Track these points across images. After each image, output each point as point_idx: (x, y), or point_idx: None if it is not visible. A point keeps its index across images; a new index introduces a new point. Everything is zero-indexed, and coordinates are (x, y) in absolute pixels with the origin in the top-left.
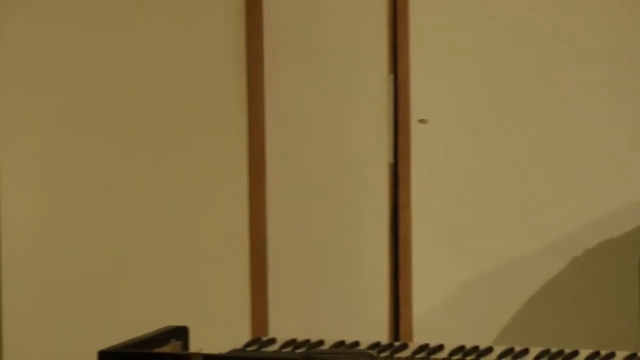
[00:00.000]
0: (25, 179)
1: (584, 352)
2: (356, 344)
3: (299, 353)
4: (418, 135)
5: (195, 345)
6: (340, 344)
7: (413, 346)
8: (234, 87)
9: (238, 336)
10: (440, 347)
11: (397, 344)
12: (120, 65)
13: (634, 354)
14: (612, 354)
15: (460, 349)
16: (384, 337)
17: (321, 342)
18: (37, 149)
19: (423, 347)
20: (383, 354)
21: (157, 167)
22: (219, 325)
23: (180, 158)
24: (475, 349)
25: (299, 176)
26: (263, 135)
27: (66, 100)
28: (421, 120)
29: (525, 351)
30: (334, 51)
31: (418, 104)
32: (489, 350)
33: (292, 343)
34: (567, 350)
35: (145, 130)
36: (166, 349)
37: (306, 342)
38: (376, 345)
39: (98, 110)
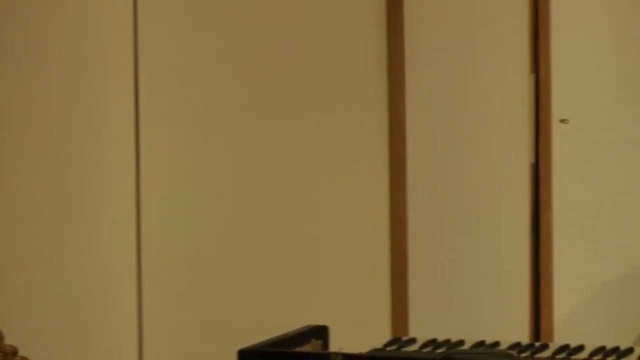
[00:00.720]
0: (165, 179)
1: None
2: (496, 344)
3: (439, 353)
4: (559, 135)
5: (336, 344)
6: (481, 344)
7: (553, 346)
8: (374, 86)
9: (378, 336)
10: (580, 348)
11: (537, 344)
12: (262, 65)
13: None
14: None
15: (601, 349)
16: (524, 338)
17: (461, 342)
18: (179, 149)
19: (563, 348)
20: (523, 355)
21: (298, 167)
22: (359, 324)
23: (321, 157)
24: (615, 349)
25: (440, 175)
26: (404, 134)
27: (211, 99)
28: (562, 120)
29: None
30: (475, 50)
31: (559, 103)
32: (630, 350)
33: (432, 343)
34: None
35: (287, 130)
36: (306, 348)
37: (446, 342)
38: (516, 345)
39: (242, 109)
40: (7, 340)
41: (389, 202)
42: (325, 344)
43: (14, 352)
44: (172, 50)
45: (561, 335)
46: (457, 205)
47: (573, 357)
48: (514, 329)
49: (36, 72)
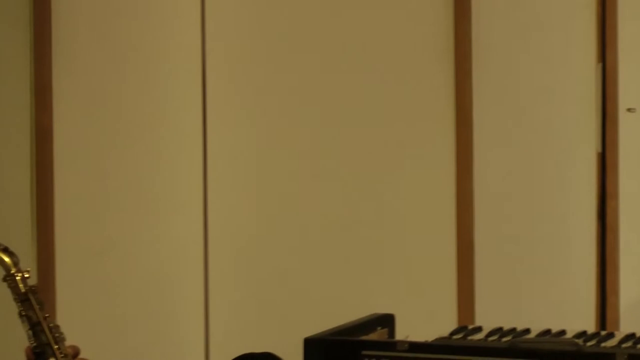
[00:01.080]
0: (232, 170)
1: None
2: (562, 332)
3: (505, 342)
4: (626, 124)
5: (402, 333)
6: (546, 332)
7: (619, 335)
8: (442, 75)
9: (444, 324)
10: None
11: (603, 333)
12: (328, 56)
13: None
14: None
15: None
16: (590, 327)
17: (527, 331)
18: (245, 140)
19: (629, 337)
20: (589, 343)
21: (364, 155)
22: (426, 313)
23: (387, 146)
24: None
25: (506, 165)
26: (471, 123)
27: (276, 88)
28: (629, 109)
29: None
30: (542, 39)
31: (626, 92)
32: None
33: (498, 331)
34: None
35: (353, 118)
36: (372, 336)
37: (512, 331)
38: (582, 334)
39: (308, 97)
40: (73, 333)
41: (455, 190)
42: (391, 333)
43: (75, 354)
44: (238, 42)
45: (627, 324)
46: (524, 194)
47: (639, 345)
48: (579, 318)
49: (109, 68)
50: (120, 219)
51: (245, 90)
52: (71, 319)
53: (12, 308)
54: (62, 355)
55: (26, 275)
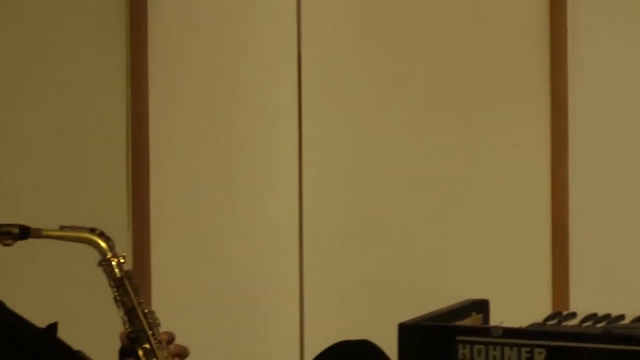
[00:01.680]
0: (326, 157)
1: None
2: None
3: (599, 328)
4: None
5: (496, 318)
6: None
7: None
8: (536, 60)
9: (539, 310)
10: None
11: None
12: (422, 50)
13: None
14: None
15: None
16: None
17: (621, 317)
18: (340, 126)
19: None
20: None
21: (457, 139)
22: (520, 298)
23: (481, 131)
24: None
25: (602, 149)
26: (566, 108)
27: (369, 79)
28: None
29: None
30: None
31: None
32: None
33: (593, 317)
34: None
35: (445, 102)
36: (467, 321)
37: (606, 317)
38: None
39: (402, 86)
40: (168, 320)
41: (550, 175)
42: (486, 318)
43: (170, 340)
44: (332, 31)
45: None
46: (620, 179)
47: None
48: None
49: (205, 55)
50: (216, 204)
51: (338, 78)
52: (166, 305)
53: (108, 293)
54: (156, 341)
55: (122, 261)
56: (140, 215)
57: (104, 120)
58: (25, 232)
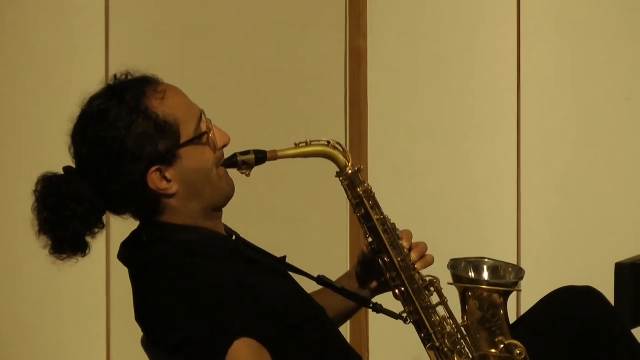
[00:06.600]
0: (547, 92)
1: None
2: None
3: None
4: None
5: None
6: None
7: None
8: None
9: None
10: None
11: None
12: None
13: None
14: None
15: None
16: None
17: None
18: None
19: None
20: None
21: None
22: None
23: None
24: None
25: None
26: None
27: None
28: None
29: None
30: None
31: None
32: None
33: None
34: None
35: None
36: None
37: None
38: None
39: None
40: None
41: None
42: None
43: (411, 247)
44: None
45: None
46: None
47: None
48: None
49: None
50: (433, 142)
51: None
52: None
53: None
54: (397, 254)
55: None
56: (357, 152)
57: (324, 56)
58: (262, 157)
